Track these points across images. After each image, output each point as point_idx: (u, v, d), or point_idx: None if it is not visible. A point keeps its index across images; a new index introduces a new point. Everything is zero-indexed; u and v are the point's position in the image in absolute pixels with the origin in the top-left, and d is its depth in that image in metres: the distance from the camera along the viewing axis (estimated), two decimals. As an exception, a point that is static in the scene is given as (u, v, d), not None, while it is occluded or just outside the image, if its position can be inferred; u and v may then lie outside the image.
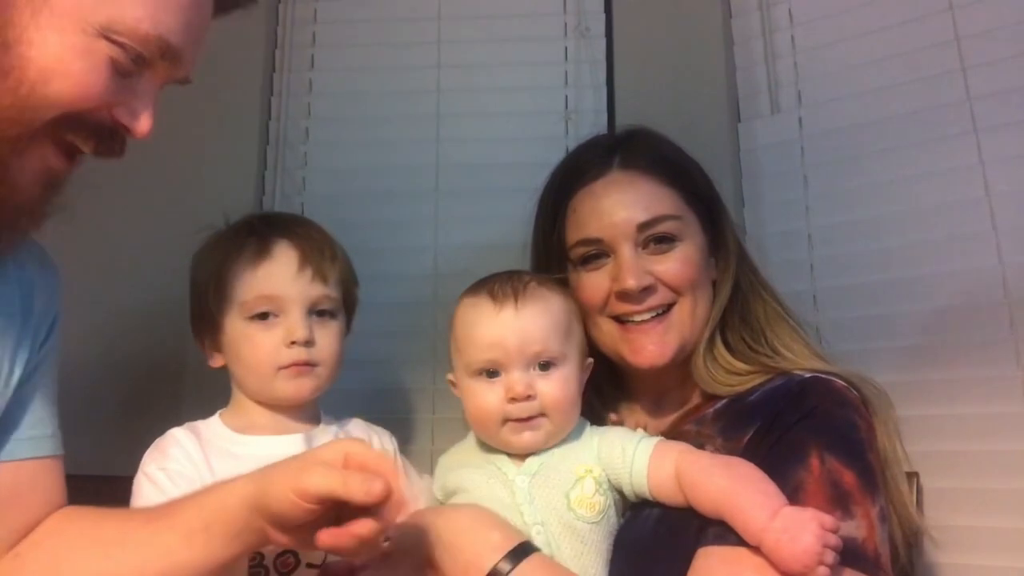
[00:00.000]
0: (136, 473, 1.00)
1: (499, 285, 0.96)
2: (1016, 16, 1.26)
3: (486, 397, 0.93)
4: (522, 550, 0.83)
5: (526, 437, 0.92)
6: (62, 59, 0.73)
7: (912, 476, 1.07)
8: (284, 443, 1.04)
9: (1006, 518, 1.14)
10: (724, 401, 0.99)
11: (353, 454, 0.74)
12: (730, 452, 0.91)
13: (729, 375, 1.00)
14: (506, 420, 0.92)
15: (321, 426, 1.10)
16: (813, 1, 1.47)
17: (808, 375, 0.96)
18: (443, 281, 1.51)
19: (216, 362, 1.09)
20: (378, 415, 1.18)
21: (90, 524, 0.88)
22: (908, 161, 1.32)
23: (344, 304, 1.11)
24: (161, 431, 1.05)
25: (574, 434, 0.95)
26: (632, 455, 0.90)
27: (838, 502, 0.82)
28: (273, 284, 1.04)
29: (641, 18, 1.57)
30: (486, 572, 0.81)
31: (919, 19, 1.35)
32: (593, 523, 0.89)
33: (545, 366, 0.93)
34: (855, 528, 0.81)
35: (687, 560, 0.83)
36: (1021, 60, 1.25)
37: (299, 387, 1.05)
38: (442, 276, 1.52)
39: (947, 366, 1.22)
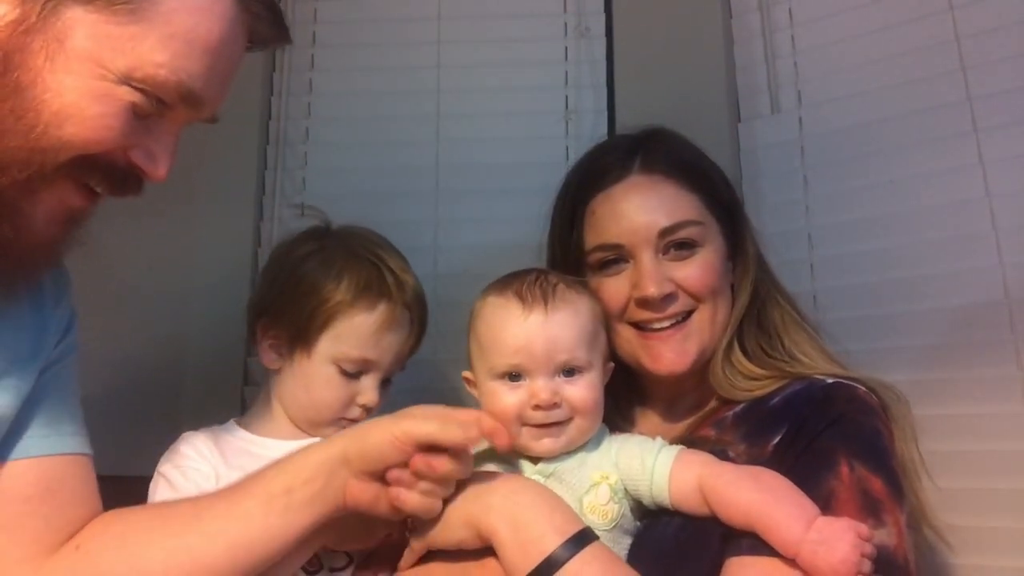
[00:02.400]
0: (151, 475, 1.01)
1: (527, 287, 0.93)
2: (1016, 16, 1.26)
3: (506, 399, 0.91)
4: (584, 536, 0.81)
5: (546, 443, 0.90)
6: (78, 103, 0.72)
7: (918, 475, 1.07)
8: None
9: (1006, 518, 1.14)
10: (743, 405, 0.98)
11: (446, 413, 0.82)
12: (754, 459, 0.90)
13: (748, 380, 0.99)
14: (524, 424, 0.90)
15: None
16: (813, 1, 1.47)
17: (831, 380, 0.94)
18: (443, 281, 1.50)
19: (273, 364, 1.08)
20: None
21: (154, 510, 0.88)
22: (908, 161, 1.32)
23: None
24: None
25: (593, 439, 0.93)
26: (652, 465, 0.88)
27: (870, 510, 0.82)
28: (380, 353, 1.05)
29: (641, 18, 1.56)
30: (547, 554, 0.79)
31: (919, 19, 1.35)
32: (604, 530, 0.86)
33: (570, 372, 0.91)
34: (887, 536, 0.81)
35: (711, 566, 0.82)
36: (1021, 60, 1.25)
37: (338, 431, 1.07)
38: (442, 276, 1.51)
39: (947, 366, 1.22)
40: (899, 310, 1.29)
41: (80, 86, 0.72)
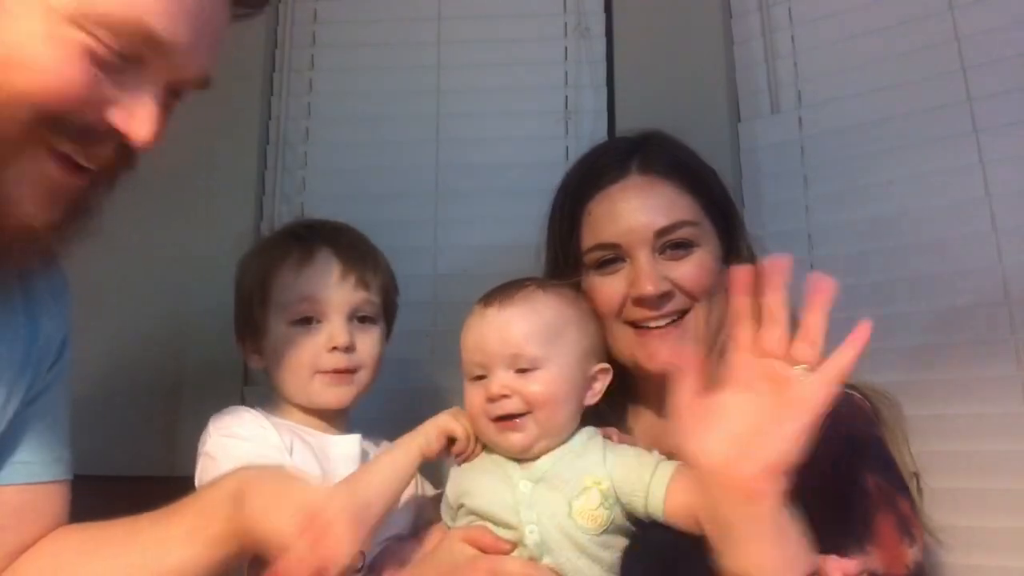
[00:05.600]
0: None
1: (499, 290, 0.96)
2: (1016, 16, 1.26)
3: (471, 397, 0.94)
4: None
5: (513, 438, 0.91)
6: (24, 47, 0.64)
7: (912, 477, 1.07)
8: (346, 442, 1.07)
9: (1006, 518, 1.14)
10: None
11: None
12: None
13: None
14: (490, 419, 0.92)
15: (358, 435, 1.10)
16: (813, 1, 1.47)
17: None
18: (443, 282, 1.51)
19: (256, 364, 1.12)
20: (375, 416, 1.18)
21: (94, 532, 0.87)
22: (908, 161, 1.32)
23: (384, 310, 1.13)
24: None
25: (578, 441, 0.93)
26: (649, 482, 0.87)
27: (904, 529, 0.83)
28: (314, 287, 1.06)
29: (641, 18, 1.56)
30: None
31: (919, 19, 1.35)
32: (593, 535, 0.87)
33: (527, 368, 0.92)
34: (918, 552, 0.82)
35: (711, 570, 0.81)
36: (1021, 60, 1.25)
37: (339, 394, 1.07)
38: (442, 277, 1.52)
39: (947, 366, 1.22)
40: (899, 310, 1.29)
41: (23, 28, 0.64)
